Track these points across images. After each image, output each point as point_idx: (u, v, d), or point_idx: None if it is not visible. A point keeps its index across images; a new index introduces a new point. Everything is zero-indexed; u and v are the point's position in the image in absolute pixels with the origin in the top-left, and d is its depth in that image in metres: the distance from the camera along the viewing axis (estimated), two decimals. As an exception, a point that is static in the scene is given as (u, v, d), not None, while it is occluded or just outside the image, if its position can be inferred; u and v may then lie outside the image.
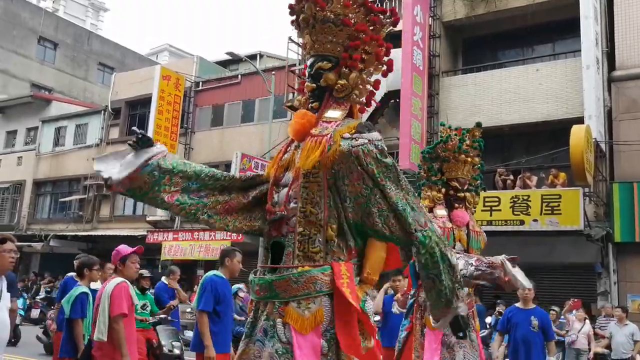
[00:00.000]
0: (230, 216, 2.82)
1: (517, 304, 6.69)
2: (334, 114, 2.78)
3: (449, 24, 15.57)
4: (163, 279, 8.52)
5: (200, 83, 20.81)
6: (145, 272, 7.48)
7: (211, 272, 5.59)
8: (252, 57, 24.07)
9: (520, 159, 13.85)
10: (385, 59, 2.87)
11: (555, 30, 14.78)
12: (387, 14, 2.86)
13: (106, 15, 58.93)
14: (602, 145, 12.55)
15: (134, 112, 22.52)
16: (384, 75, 2.92)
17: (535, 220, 12.12)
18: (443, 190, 5.11)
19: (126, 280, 4.83)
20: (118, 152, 2.78)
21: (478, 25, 15.19)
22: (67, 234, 21.59)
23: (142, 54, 38.77)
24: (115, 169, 2.66)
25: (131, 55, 35.48)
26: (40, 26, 31.34)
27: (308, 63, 2.89)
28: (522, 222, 12.29)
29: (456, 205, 5.08)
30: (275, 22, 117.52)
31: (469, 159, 5.18)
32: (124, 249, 4.97)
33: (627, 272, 12.28)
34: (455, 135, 5.18)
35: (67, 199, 23.20)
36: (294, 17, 2.93)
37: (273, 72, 18.31)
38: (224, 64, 24.94)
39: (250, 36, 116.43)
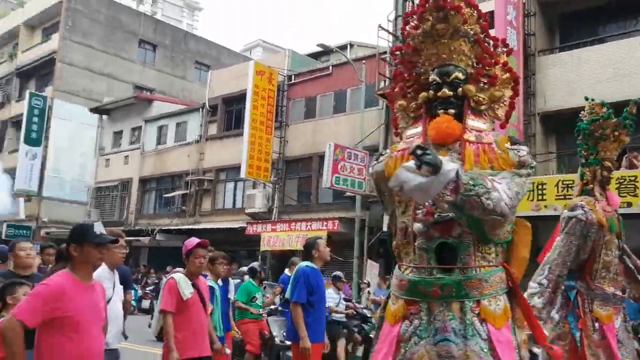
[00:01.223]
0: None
1: None
2: (478, 124, 2.98)
3: (544, 0, 14.65)
4: (286, 271, 8.67)
5: (293, 76, 20.97)
6: (256, 265, 7.58)
7: (303, 263, 5.59)
8: (343, 48, 23.99)
9: (625, 138, 12.78)
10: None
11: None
12: (500, 44, 3.15)
13: (201, 15, 61.06)
14: None
15: (230, 108, 23.10)
16: (516, 94, 3.16)
17: (643, 201, 11.17)
18: (598, 170, 4.43)
19: (175, 277, 4.72)
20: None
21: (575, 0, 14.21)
22: (172, 228, 22.56)
23: (236, 51, 39.79)
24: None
25: (226, 52, 36.49)
26: (141, 29, 32.91)
27: (436, 71, 3.02)
28: (629, 204, 11.35)
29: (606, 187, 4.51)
30: (364, 11, 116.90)
31: (621, 138, 4.53)
32: (191, 242, 4.88)
33: None
34: (609, 111, 4.45)
35: (170, 194, 24.25)
36: (416, 23, 3.08)
37: (364, 62, 18.09)
38: (315, 56, 25.04)
39: (340, 27, 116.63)
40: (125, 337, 7.16)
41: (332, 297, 8.95)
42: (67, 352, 3.00)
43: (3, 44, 35.62)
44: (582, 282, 4.26)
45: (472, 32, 3.01)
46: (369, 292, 14.26)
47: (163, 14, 53.92)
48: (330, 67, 20.09)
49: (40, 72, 31.85)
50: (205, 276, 5.98)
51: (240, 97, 20.91)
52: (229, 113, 23.21)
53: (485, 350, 2.62)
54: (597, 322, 4.14)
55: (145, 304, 17.68)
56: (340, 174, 15.94)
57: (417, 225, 2.80)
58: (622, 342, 4.19)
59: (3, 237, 24.41)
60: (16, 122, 30.89)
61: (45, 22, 32.68)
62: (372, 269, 14.87)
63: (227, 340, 6.03)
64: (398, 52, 3.33)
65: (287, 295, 5.63)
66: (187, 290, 4.59)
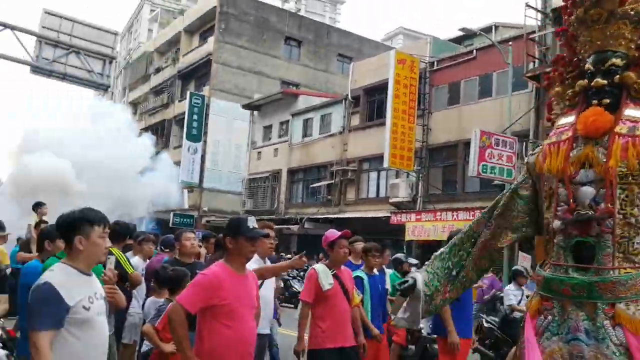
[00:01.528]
0: (508, 235, 3.10)
1: None
2: (637, 113, 2.73)
3: None
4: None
5: (435, 63, 20.56)
6: (401, 256, 7.58)
7: None
8: (487, 30, 23.05)
9: None
10: None
11: None
12: None
13: (343, 8, 61.98)
14: None
15: (372, 98, 23.26)
16: None
17: None
18: None
19: (316, 268, 4.75)
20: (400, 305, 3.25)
21: None
22: (319, 216, 23.30)
23: (377, 41, 39.94)
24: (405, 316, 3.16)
25: (367, 43, 36.74)
26: (286, 27, 34.26)
27: (591, 59, 2.88)
28: None
29: None
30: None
31: None
32: (332, 233, 4.86)
33: None
34: None
35: (316, 184, 25.06)
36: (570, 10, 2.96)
37: (510, 43, 17.21)
38: (457, 40, 24.36)
39: (483, 8, 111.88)
40: (279, 324, 7.59)
41: (514, 294, 8.16)
42: (225, 337, 3.24)
43: (167, 50, 39.15)
44: None
45: (632, 13, 2.79)
46: (519, 285, 13.66)
47: (307, 9, 55.58)
48: (474, 51, 19.39)
49: (199, 73, 34.49)
50: (359, 266, 6.08)
51: (382, 87, 20.95)
52: (371, 103, 23.38)
53: (617, 354, 2.50)
54: None
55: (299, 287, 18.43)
56: (487, 162, 15.35)
57: (556, 223, 2.74)
58: None
59: (170, 225, 26.95)
60: (179, 120, 33.81)
61: (202, 27, 35.28)
62: (524, 261, 14.16)
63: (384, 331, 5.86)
64: (561, 34, 3.21)
65: None
66: (326, 281, 4.60)
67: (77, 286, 2.70)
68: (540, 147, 3.07)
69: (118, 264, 5.26)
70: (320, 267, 4.75)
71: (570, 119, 2.96)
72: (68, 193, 14.79)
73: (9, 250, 8.03)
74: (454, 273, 3.08)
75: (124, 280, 5.09)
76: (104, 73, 12.58)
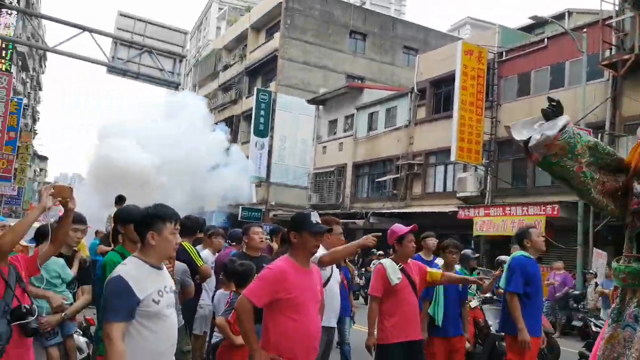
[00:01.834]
0: (606, 198, 2.92)
1: None
2: None
3: None
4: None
5: (504, 53, 19.97)
6: (468, 252, 7.45)
7: (518, 252, 5.34)
8: (559, 17, 22.14)
9: None
10: None
11: None
12: None
13: None
14: None
15: (439, 90, 22.88)
16: None
17: None
18: None
19: (383, 262, 4.79)
20: (527, 120, 3.02)
21: None
22: (384, 211, 23.20)
23: (443, 32, 39.21)
24: (532, 134, 2.90)
25: (433, 34, 36.15)
26: (351, 20, 34.20)
27: None
28: None
29: None
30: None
31: None
32: (400, 228, 4.86)
33: None
34: None
35: (382, 178, 24.94)
36: None
37: (584, 30, 16.48)
38: (527, 29, 23.56)
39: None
40: (353, 322, 7.64)
41: None
42: (290, 331, 3.31)
43: (235, 47, 39.97)
44: None
45: None
46: (595, 284, 13.10)
47: (371, 2, 55.22)
48: (545, 40, 18.70)
49: (265, 69, 35.02)
50: (430, 262, 5.98)
51: (449, 79, 20.58)
52: (437, 96, 23.00)
53: None
54: None
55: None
56: (559, 155, 14.80)
57: (628, 215, 2.86)
58: None
59: (239, 218, 27.57)
60: (247, 116, 34.48)
61: (268, 23, 35.79)
62: (599, 258, 13.61)
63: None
64: None
65: (502, 284, 5.40)
66: (394, 275, 4.63)
67: (147, 280, 2.81)
68: None
69: (188, 257, 5.47)
70: (387, 262, 4.77)
71: None
72: (148, 186, 15.44)
73: (87, 242, 8.43)
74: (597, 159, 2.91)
75: (194, 273, 5.28)
76: (175, 71, 13.00)
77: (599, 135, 15.44)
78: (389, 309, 4.61)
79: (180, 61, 13.10)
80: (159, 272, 2.92)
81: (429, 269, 5.03)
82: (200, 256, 5.64)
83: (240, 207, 28.73)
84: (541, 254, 5.46)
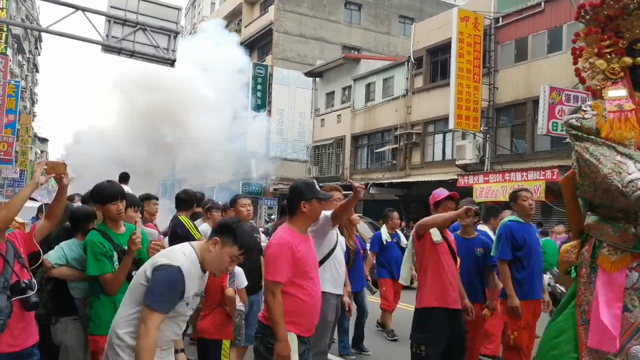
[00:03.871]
0: None
1: None
2: None
3: None
4: None
5: (500, 18, 19.80)
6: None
7: (507, 218, 5.37)
8: (556, -21, 21.86)
9: None
10: None
11: None
12: None
13: (402, -32, 60.04)
14: None
15: (435, 58, 22.74)
16: None
17: None
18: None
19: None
20: None
21: None
22: (384, 181, 23.27)
23: (439, -1, 38.69)
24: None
25: (429, 2, 35.71)
26: (346, -10, 33.81)
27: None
28: None
29: None
30: None
31: None
32: (439, 193, 4.78)
33: None
34: None
35: (381, 149, 24.96)
36: None
37: (582, -9, 16.31)
38: (524, -7, 23.27)
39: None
40: (372, 292, 7.68)
41: None
42: (299, 298, 3.35)
43: (229, 22, 39.49)
44: None
45: None
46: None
47: (366, -29, 54.39)
48: (542, 3, 18.48)
49: (261, 43, 34.72)
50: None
51: (445, 47, 20.45)
52: (434, 64, 22.88)
53: None
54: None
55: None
56: (558, 119, 14.83)
57: None
58: None
59: (240, 193, 27.64)
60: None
61: (262, -4, 35.37)
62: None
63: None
64: (585, 11, 3.39)
65: (492, 252, 5.39)
66: (436, 234, 4.53)
67: (194, 282, 2.79)
68: (590, 111, 3.19)
69: (185, 231, 5.58)
70: None
71: (620, 92, 3.17)
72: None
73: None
74: None
75: None
76: (170, 48, 12.86)
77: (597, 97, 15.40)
78: (431, 271, 4.50)
79: (175, 37, 12.97)
80: (203, 277, 2.90)
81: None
82: (197, 229, 5.70)
83: (241, 182, 28.79)
84: (530, 216, 5.38)
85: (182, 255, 2.75)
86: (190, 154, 19.94)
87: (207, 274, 2.92)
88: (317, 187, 3.58)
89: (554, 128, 14.78)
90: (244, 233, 2.80)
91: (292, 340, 3.27)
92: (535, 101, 16.33)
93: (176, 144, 20.17)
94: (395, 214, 8.38)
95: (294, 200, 3.49)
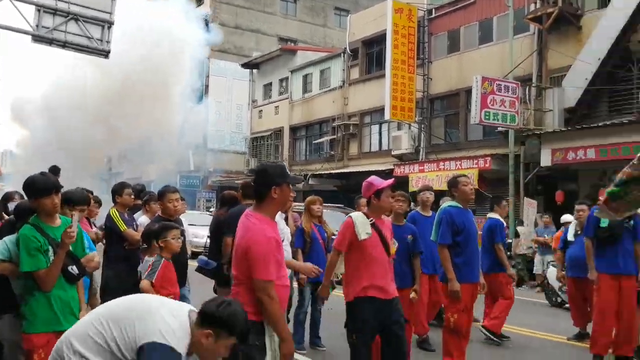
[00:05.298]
0: None
1: None
2: None
3: None
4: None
5: (433, 10, 20.26)
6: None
7: (446, 204, 5.47)
8: (486, -27, 22.57)
9: None
10: None
11: None
12: None
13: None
14: None
15: (371, 50, 23.03)
16: None
17: None
18: None
19: (353, 216, 4.43)
20: None
21: None
22: (323, 172, 23.42)
23: (373, -9, 39.16)
24: None
25: (364, -6, 36.13)
26: (281, -18, 33.68)
27: None
28: None
29: None
30: None
31: None
32: (378, 181, 4.48)
33: None
34: None
35: (319, 140, 25.11)
36: None
37: (510, -15, 16.92)
38: (456, -14, 23.88)
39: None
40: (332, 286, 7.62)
41: None
42: (278, 284, 3.12)
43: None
44: None
45: None
46: (516, 232, 13.91)
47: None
48: (474, -4, 19.08)
49: (196, 34, 34.07)
50: (429, 219, 6.03)
51: (381, 38, 20.75)
52: (369, 55, 23.18)
53: None
54: None
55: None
56: (489, 108, 15.29)
57: None
58: None
59: (177, 186, 27.11)
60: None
61: (196, -14, 34.68)
62: (530, 207, 14.32)
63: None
64: None
65: (432, 237, 5.48)
66: (363, 230, 4.29)
67: None
68: None
69: (112, 224, 5.54)
70: (357, 215, 4.43)
71: None
72: None
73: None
74: None
75: (122, 240, 5.53)
76: (104, 38, 12.45)
77: (527, 87, 16.10)
78: (357, 265, 4.29)
79: (109, 28, 12.54)
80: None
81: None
82: (123, 221, 5.63)
83: (178, 174, 28.29)
84: (470, 201, 5.57)
85: (175, 338, 2.45)
86: (130, 142, 19.37)
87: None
88: (287, 170, 3.41)
89: (487, 117, 15.26)
90: (237, 320, 2.53)
91: (274, 336, 3.08)
92: (468, 91, 16.83)
93: (117, 131, 19.48)
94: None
95: (264, 185, 3.18)
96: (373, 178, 4.54)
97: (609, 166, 13.52)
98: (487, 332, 6.99)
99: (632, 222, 5.98)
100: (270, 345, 3.05)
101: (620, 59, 14.61)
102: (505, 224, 7.54)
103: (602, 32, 14.51)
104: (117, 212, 5.70)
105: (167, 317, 2.50)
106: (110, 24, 12.88)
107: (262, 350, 3.02)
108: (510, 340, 7.11)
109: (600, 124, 14.06)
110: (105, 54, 12.84)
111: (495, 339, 6.97)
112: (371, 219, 4.36)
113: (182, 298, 5.13)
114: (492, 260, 7.03)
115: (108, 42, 12.77)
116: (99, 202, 6.87)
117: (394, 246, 4.61)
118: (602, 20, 14.68)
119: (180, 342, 2.44)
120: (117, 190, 5.88)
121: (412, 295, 5.43)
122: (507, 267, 7.04)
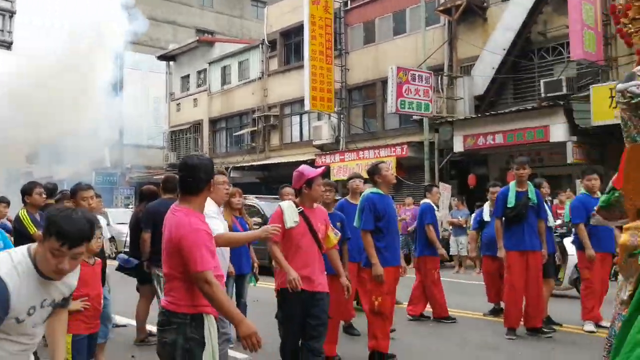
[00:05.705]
0: None
1: None
2: None
3: None
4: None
5: (349, 1, 20.57)
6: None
7: (368, 190, 5.56)
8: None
9: None
10: None
11: None
12: None
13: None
14: None
15: (289, 41, 23.09)
16: None
17: None
18: None
19: (282, 205, 4.39)
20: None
21: None
22: (244, 164, 23.31)
23: (289, -18, 39.18)
24: None
25: (280, -15, 36.04)
26: (195, -28, 32.97)
27: None
28: None
29: None
30: None
31: None
32: (309, 170, 4.42)
33: None
34: None
35: (239, 132, 24.93)
36: None
37: (422, -22, 17.46)
38: (370, -22, 24.32)
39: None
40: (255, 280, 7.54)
41: None
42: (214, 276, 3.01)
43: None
44: None
45: None
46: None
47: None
48: (387, -12, 19.53)
49: (107, 25, 32.76)
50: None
51: (298, 29, 20.84)
52: (288, 47, 23.23)
53: None
54: None
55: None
56: (405, 98, 15.77)
57: None
58: None
59: (93, 184, 26.12)
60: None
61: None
62: (445, 191, 14.94)
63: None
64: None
65: (355, 224, 5.56)
66: (291, 218, 4.24)
67: (31, 290, 2.39)
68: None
69: (21, 226, 5.38)
70: (286, 204, 4.38)
71: None
72: None
73: None
74: None
75: (32, 241, 5.19)
76: (5, 29, 11.80)
77: (439, 77, 16.71)
78: (287, 255, 4.23)
79: (11, 17, 11.88)
80: (49, 282, 2.41)
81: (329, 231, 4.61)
82: (33, 223, 5.55)
83: (93, 171, 27.24)
84: (392, 187, 5.76)
85: (8, 263, 2.27)
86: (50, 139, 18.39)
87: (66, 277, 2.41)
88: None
89: (402, 106, 15.72)
90: (60, 220, 2.25)
91: (212, 324, 3.01)
92: (384, 81, 17.25)
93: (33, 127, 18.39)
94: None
95: (200, 178, 3.01)
96: (304, 167, 4.48)
97: (515, 150, 14.35)
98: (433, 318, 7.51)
99: (536, 201, 6.44)
100: (209, 339, 2.98)
101: (523, 49, 15.47)
102: (436, 208, 7.90)
103: (505, 23, 15.30)
104: (26, 214, 5.61)
105: (3, 254, 2.33)
106: (12, 13, 12.23)
107: (202, 344, 2.93)
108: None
109: (506, 111, 14.85)
110: (8, 45, 12.18)
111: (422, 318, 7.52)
112: (300, 207, 4.32)
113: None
114: (423, 243, 7.59)
115: (10, 32, 12.13)
116: (6, 202, 6.62)
117: (336, 236, 4.59)
118: (505, 13, 15.46)
119: (15, 267, 2.24)
120: (27, 190, 5.67)
121: (342, 280, 5.53)
122: (438, 247, 7.49)
